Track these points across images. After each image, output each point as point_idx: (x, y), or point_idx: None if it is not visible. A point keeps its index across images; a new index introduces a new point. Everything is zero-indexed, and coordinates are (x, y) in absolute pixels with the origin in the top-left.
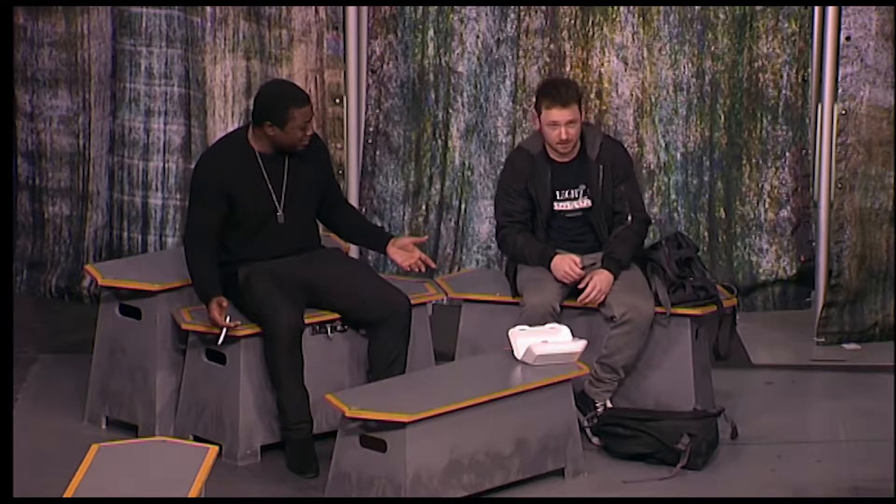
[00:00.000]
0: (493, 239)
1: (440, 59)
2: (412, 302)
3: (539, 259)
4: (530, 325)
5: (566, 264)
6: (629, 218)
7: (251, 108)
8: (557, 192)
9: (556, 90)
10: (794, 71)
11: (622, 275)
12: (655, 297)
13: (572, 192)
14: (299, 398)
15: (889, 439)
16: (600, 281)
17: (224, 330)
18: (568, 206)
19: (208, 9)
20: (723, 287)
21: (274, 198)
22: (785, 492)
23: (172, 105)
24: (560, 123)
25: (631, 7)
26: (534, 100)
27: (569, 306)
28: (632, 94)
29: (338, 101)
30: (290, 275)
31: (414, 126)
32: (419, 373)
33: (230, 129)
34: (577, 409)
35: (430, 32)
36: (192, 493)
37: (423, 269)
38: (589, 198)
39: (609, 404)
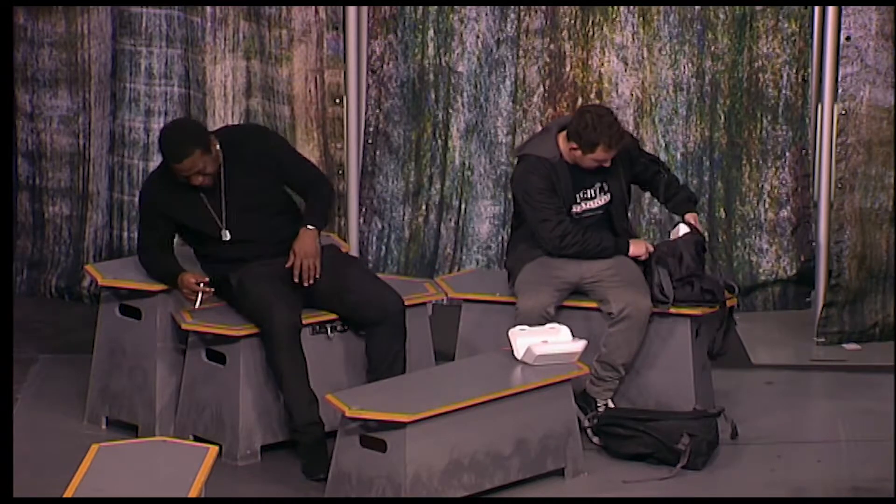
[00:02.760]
0: (493, 239)
1: (440, 59)
2: (411, 302)
3: (615, 248)
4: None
5: (643, 244)
6: (664, 175)
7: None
8: (577, 195)
9: (611, 133)
10: (794, 71)
11: (619, 270)
12: (660, 288)
13: (589, 191)
14: (305, 399)
15: (889, 439)
16: (694, 218)
17: (199, 294)
18: (586, 206)
19: (208, 9)
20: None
21: (215, 217)
22: (785, 492)
23: (172, 105)
24: (607, 160)
25: (631, 7)
26: (578, 131)
27: (568, 306)
28: (632, 94)
29: (338, 101)
30: (286, 275)
31: (414, 126)
32: (419, 373)
33: None
34: (579, 409)
35: (430, 32)
36: (192, 493)
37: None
38: (607, 192)
39: (611, 404)
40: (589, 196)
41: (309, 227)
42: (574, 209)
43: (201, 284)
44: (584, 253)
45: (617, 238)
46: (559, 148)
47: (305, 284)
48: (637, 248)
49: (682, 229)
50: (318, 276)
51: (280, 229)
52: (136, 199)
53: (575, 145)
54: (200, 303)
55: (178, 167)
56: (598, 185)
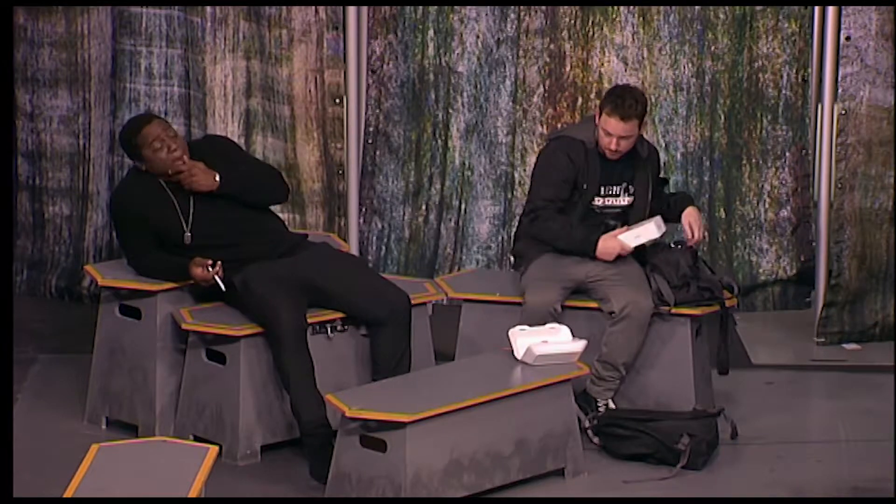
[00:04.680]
0: (493, 239)
1: (440, 59)
2: (412, 302)
3: (582, 243)
4: (530, 325)
5: (615, 245)
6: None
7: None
8: (603, 188)
9: (621, 101)
10: (794, 71)
11: (621, 269)
12: (659, 295)
13: (615, 188)
14: (313, 400)
15: (889, 439)
16: (695, 217)
17: (217, 278)
18: (609, 201)
19: (208, 9)
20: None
21: (181, 221)
22: (785, 492)
23: (172, 105)
24: (613, 135)
25: (631, 7)
26: (602, 99)
27: (570, 306)
28: None
29: (338, 101)
30: (290, 275)
31: (414, 126)
32: (419, 373)
33: (230, 129)
34: (579, 409)
35: (430, 32)
36: (192, 493)
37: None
38: (630, 195)
39: (612, 404)
40: (614, 193)
41: (219, 175)
42: (596, 201)
43: (211, 270)
44: (548, 237)
45: (589, 234)
46: (595, 135)
47: (171, 171)
48: (606, 245)
49: (627, 238)
50: (185, 174)
51: (260, 233)
52: (109, 214)
53: (598, 110)
54: (223, 286)
55: (146, 131)
56: (624, 184)
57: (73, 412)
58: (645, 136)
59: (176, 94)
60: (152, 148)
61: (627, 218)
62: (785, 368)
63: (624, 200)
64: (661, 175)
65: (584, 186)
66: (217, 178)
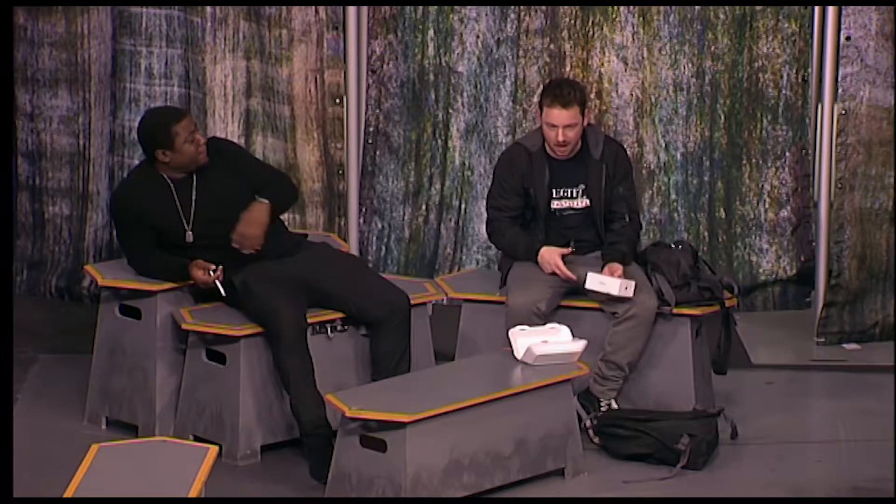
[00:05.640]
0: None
1: (440, 59)
2: (412, 302)
3: (525, 252)
4: (517, 326)
5: (553, 260)
6: (627, 218)
7: (140, 142)
8: (554, 191)
9: (559, 90)
10: (794, 71)
11: (624, 270)
12: (660, 294)
13: (571, 190)
14: (313, 401)
15: (889, 439)
16: (617, 268)
17: (217, 283)
18: (565, 204)
19: (208, 9)
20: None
21: (183, 219)
22: (785, 492)
23: (172, 105)
24: (558, 125)
25: (631, 7)
26: (538, 97)
27: (569, 306)
28: (632, 94)
29: (338, 101)
30: (290, 276)
31: (414, 126)
32: (419, 373)
33: (230, 129)
34: (581, 407)
35: (430, 32)
36: (192, 493)
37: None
38: (587, 197)
39: (614, 404)
40: (570, 195)
41: (261, 200)
42: (553, 204)
43: (212, 274)
44: (502, 248)
45: (531, 243)
46: (541, 138)
47: (244, 251)
48: (543, 258)
49: (590, 279)
50: (258, 248)
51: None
52: (109, 212)
53: (538, 110)
54: (223, 290)
55: (183, 123)
56: (581, 186)
57: (73, 412)
58: (645, 135)
59: (176, 94)
60: (187, 140)
61: (592, 219)
62: (785, 368)
63: (581, 203)
64: (630, 188)
65: (533, 191)
66: (267, 206)
